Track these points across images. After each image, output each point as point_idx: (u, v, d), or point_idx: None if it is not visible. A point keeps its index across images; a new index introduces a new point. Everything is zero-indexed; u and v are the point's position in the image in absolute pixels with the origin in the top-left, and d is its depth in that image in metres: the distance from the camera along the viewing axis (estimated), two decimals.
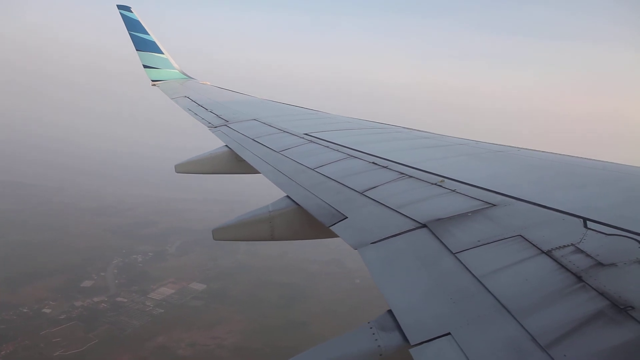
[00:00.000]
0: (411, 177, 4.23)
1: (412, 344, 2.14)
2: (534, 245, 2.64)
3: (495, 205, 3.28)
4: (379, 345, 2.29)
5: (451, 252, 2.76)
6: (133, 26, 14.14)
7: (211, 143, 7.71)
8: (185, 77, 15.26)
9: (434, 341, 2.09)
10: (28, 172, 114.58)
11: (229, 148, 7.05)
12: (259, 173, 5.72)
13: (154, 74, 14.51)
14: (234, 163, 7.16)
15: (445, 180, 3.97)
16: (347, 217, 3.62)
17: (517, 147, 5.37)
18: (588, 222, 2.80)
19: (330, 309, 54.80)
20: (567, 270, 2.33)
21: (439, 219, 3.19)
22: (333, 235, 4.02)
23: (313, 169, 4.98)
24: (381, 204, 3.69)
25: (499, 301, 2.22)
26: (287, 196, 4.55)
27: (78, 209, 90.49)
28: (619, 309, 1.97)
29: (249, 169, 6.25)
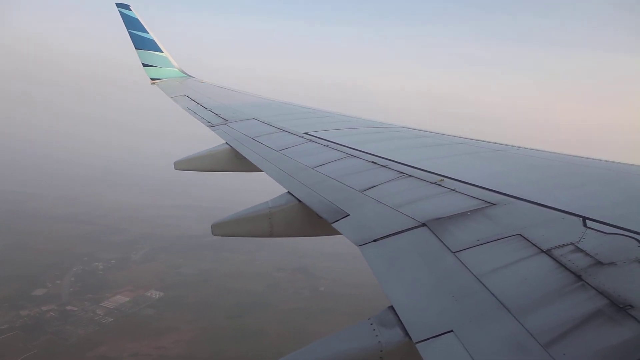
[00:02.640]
0: (411, 176, 4.23)
1: (415, 340, 2.15)
2: (533, 244, 2.64)
3: (494, 204, 3.29)
4: (379, 342, 2.30)
5: (451, 251, 2.76)
6: (132, 24, 14.10)
7: (210, 143, 7.73)
8: (185, 75, 15.22)
9: (438, 338, 2.10)
10: (8, 178, 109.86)
11: (229, 145, 7.06)
12: (259, 171, 5.74)
13: (153, 72, 14.47)
14: (234, 161, 7.18)
15: (445, 179, 3.97)
16: (349, 215, 3.63)
17: (517, 146, 5.38)
18: (587, 221, 2.80)
19: (285, 317, 53.56)
20: (567, 269, 2.33)
21: (438, 218, 3.20)
22: (331, 232, 4.03)
23: (313, 168, 4.99)
24: (381, 202, 3.70)
25: (498, 300, 2.22)
26: (288, 192, 4.56)
27: (48, 215, 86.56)
28: (618, 307, 1.97)
29: (249, 167, 6.26)
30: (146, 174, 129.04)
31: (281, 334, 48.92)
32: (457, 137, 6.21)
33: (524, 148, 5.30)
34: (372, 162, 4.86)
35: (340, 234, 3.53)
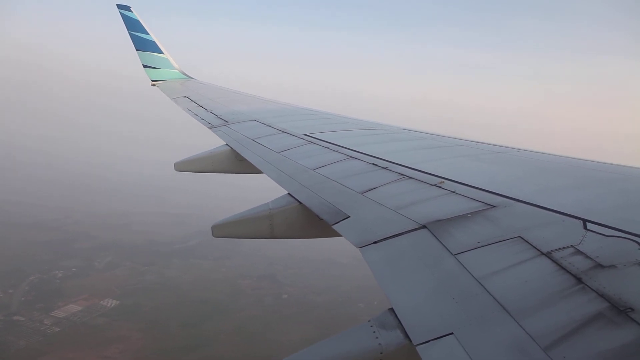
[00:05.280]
0: (411, 178, 4.23)
1: (415, 343, 2.14)
2: (533, 246, 2.64)
3: (495, 206, 3.28)
4: (379, 344, 2.30)
5: (451, 253, 2.76)
6: (133, 26, 14.12)
7: (210, 144, 7.74)
8: (185, 77, 15.24)
9: (438, 340, 2.09)
10: None
11: (230, 147, 7.08)
12: (259, 172, 5.75)
13: (154, 74, 14.49)
14: (234, 162, 7.19)
15: (445, 181, 3.97)
16: (349, 217, 3.63)
17: (517, 148, 5.37)
18: (588, 223, 2.80)
19: (242, 325, 51.73)
20: (567, 271, 2.33)
21: (438, 220, 3.20)
22: (331, 234, 4.02)
23: (313, 170, 4.99)
24: (381, 204, 3.70)
25: (499, 302, 2.22)
26: (289, 194, 4.57)
27: (18, 222, 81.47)
28: (619, 310, 1.97)
29: (249, 168, 6.27)
30: (144, 178, 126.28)
31: (234, 343, 47.61)
32: (458, 139, 6.21)
33: (525, 150, 5.30)
34: (373, 164, 4.86)
35: (341, 235, 3.53)
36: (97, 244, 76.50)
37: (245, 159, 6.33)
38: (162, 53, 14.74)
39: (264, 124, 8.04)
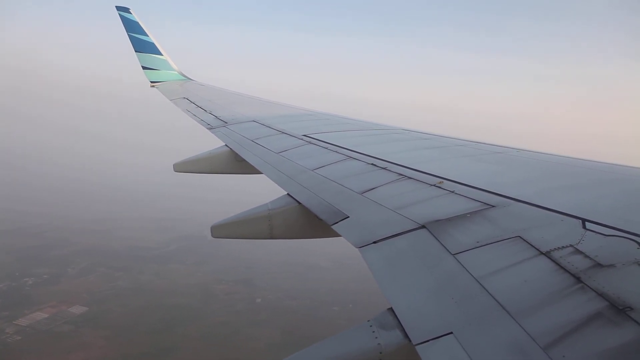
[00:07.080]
0: (410, 178, 4.23)
1: (414, 342, 2.14)
2: (532, 246, 2.64)
3: (494, 206, 3.28)
4: (379, 344, 2.30)
5: (450, 253, 2.76)
6: (132, 28, 14.11)
7: (210, 145, 7.74)
8: (185, 78, 15.24)
9: (437, 340, 2.09)
10: None
11: (229, 148, 7.08)
12: (258, 173, 5.75)
13: (153, 75, 14.48)
14: (234, 163, 7.20)
15: (444, 181, 3.97)
16: (348, 217, 3.63)
17: (516, 148, 5.38)
18: (587, 223, 2.80)
19: (211, 332, 50.65)
20: (566, 271, 2.33)
21: (437, 220, 3.20)
22: (330, 234, 4.03)
23: (312, 170, 4.99)
24: (381, 204, 3.70)
25: (498, 302, 2.22)
26: (288, 194, 4.57)
27: None
28: (618, 309, 1.97)
29: (248, 169, 6.28)
30: (139, 182, 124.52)
31: (200, 348, 46.94)
32: (457, 139, 6.21)
33: (524, 150, 5.31)
34: (372, 164, 4.86)
35: (340, 235, 3.53)
36: (75, 250, 74.45)
37: (244, 160, 6.34)
38: (161, 54, 14.74)
39: (263, 124, 8.05)
